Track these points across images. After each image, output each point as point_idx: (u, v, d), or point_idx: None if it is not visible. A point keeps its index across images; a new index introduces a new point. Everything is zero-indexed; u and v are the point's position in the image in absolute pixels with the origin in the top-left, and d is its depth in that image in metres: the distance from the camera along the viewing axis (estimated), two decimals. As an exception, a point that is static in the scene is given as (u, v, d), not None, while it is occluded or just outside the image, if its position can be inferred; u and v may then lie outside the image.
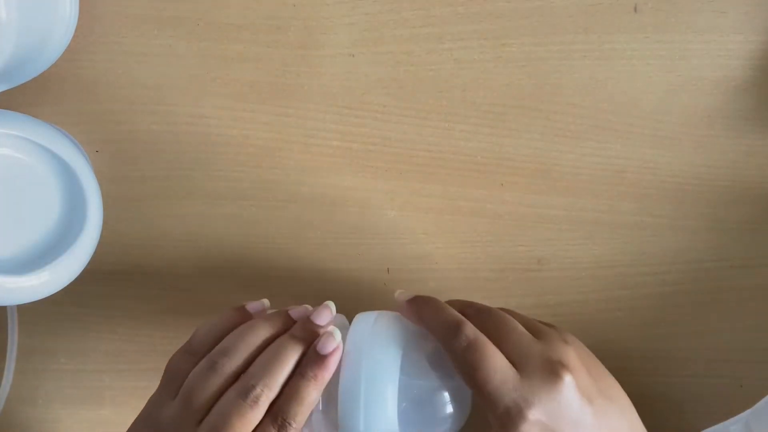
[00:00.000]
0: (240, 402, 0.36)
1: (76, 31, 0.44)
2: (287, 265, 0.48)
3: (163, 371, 0.40)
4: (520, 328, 0.38)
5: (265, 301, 0.43)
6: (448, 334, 0.37)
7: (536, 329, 0.38)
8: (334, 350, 0.38)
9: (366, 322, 0.40)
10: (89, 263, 0.44)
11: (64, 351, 0.50)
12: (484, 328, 0.37)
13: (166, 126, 0.47)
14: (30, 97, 0.46)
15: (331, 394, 0.38)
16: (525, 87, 0.45)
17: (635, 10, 0.44)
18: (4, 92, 0.45)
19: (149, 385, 0.40)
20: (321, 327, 0.39)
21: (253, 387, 0.36)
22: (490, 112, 0.46)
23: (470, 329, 0.37)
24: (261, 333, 0.39)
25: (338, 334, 0.38)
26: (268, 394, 0.36)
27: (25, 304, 0.42)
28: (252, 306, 0.42)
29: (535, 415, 0.34)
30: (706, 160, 0.46)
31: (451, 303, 0.40)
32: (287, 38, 0.45)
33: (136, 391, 0.50)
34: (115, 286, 0.49)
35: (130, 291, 0.49)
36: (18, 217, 0.43)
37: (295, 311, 0.41)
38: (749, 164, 0.46)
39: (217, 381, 0.37)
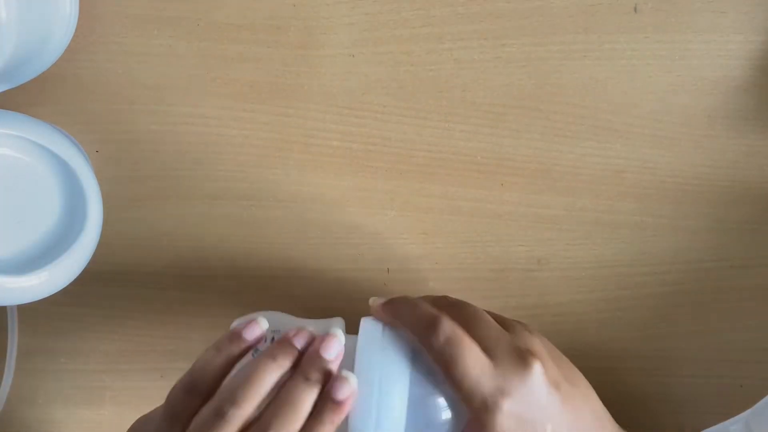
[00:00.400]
0: None
1: (76, 31, 0.44)
2: (287, 265, 0.48)
3: (162, 371, 0.40)
4: (490, 318, 0.39)
5: (263, 323, 0.39)
6: (426, 331, 0.37)
7: (503, 322, 0.39)
8: (337, 355, 0.37)
9: (374, 332, 0.39)
10: (89, 263, 0.44)
11: (64, 351, 0.50)
12: (456, 319, 0.38)
13: (166, 126, 0.47)
14: (30, 97, 0.46)
15: None
16: (525, 87, 0.45)
17: (635, 10, 0.44)
18: (4, 92, 0.45)
19: (149, 385, 0.40)
20: (330, 361, 0.37)
21: (229, 403, 0.35)
22: (490, 112, 0.46)
23: (447, 324, 0.37)
24: (270, 377, 0.36)
25: (353, 380, 0.36)
26: (244, 409, 0.35)
27: (25, 304, 0.42)
28: (249, 333, 0.38)
29: (509, 405, 0.36)
30: (706, 160, 0.46)
31: (424, 299, 0.41)
32: (287, 38, 0.45)
33: (136, 391, 0.50)
34: (115, 286, 0.49)
35: (130, 291, 0.49)
36: (18, 217, 0.43)
37: (299, 339, 0.38)
38: (749, 164, 0.46)
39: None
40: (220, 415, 0.35)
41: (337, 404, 0.36)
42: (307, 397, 0.36)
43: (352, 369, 0.37)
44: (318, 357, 0.37)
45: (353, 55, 0.45)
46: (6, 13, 0.38)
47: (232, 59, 0.46)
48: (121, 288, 0.49)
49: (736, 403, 0.45)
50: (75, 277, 0.44)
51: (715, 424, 0.45)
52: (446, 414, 0.38)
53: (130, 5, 0.45)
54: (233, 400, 0.35)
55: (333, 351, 0.37)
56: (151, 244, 0.48)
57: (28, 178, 0.42)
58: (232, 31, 0.45)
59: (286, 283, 0.48)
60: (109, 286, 0.49)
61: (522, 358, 0.37)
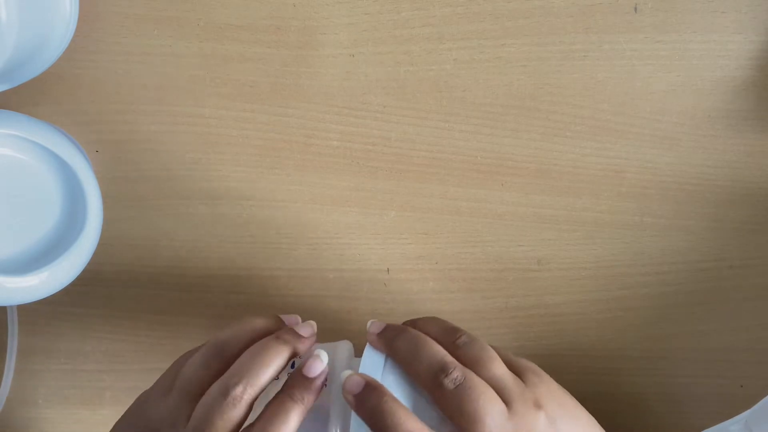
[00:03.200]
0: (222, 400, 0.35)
1: (76, 31, 0.44)
2: (287, 265, 0.48)
3: (162, 371, 0.40)
4: (499, 359, 0.38)
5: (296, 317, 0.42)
6: (434, 377, 0.36)
7: (510, 362, 0.38)
8: (321, 373, 0.37)
9: (376, 365, 0.38)
10: (89, 263, 0.44)
11: (64, 351, 0.50)
12: (465, 359, 0.37)
13: (166, 126, 0.47)
14: (30, 97, 0.46)
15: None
16: (525, 87, 0.45)
17: (635, 10, 0.44)
18: (4, 92, 0.45)
19: (149, 385, 0.40)
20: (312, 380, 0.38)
21: (236, 385, 0.36)
22: (490, 112, 0.46)
23: (458, 370, 0.36)
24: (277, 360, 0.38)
25: (325, 357, 0.38)
26: (250, 392, 0.36)
27: (25, 304, 0.42)
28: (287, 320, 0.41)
29: None
30: (706, 160, 0.46)
31: (422, 322, 0.40)
32: (287, 38, 0.45)
33: (136, 391, 0.50)
34: (115, 286, 0.49)
35: (130, 291, 0.49)
36: (18, 217, 0.43)
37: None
38: (749, 164, 0.46)
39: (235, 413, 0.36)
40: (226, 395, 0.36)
41: (309, 380, 0.37)
42: (277, 354, 0.37)
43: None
44: (301, 376, 0.37)
45: (353, 55, 0.45)
46: (6, 13, 0.38)
47: (232, 59, 0.46)
48: (121, 288, 0.49)
49: (736, 403, 0.46)
50: (75, 277, 0.44)
51: (715, 424, 0.45)
52: None
53: (130, 5, 0.45)
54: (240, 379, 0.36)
55: (315, 370, 0.37)
56: (151, 244, 0.48)
57: (28, 178, 0.42)
58: (232, 31, 0.45)
59: (286, 283, 0.48)
60: (109, 286, 0.49)
61: (536, 406, 0.36)
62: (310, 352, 0.39)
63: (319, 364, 0.37)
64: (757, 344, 0.47)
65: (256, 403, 0.37)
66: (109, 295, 0.49)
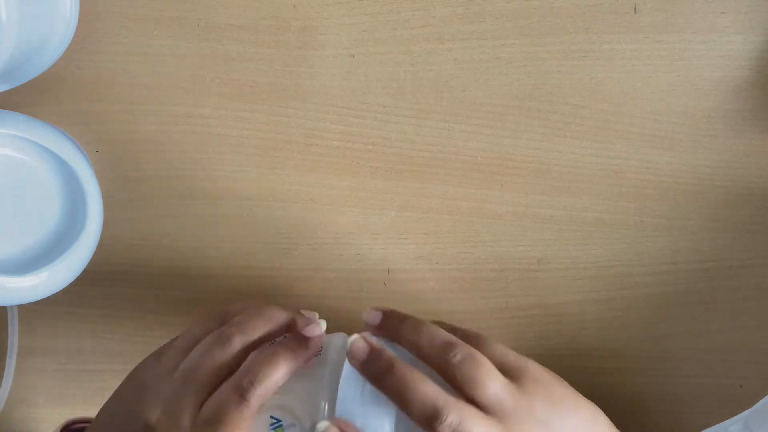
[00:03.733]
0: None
1: (76, 31, 0.44)
2: (287, 265, 0.48)
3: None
4: (495, 374, 0.37)
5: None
6: (441, 351, 0.36)
7: (507, 364, 0.38)
8: (317, 336, 0.38)
9: (355, 384, 0.37)
10: (89, 263, 0.44)
11: (64, 351, 0.50)
12: (461, 378, 0.37)
13: (166, 126, 0.47)
14: (30, 97, 0.46)
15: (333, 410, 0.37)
16: (525, 87, 0.45)
17: (635, 10, 0.44)
18: (4, 92, 0.45)
19: (149, 385, 0.40)
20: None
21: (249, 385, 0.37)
22: (490, 112, 0.46)
23: (463, 344, 0.37)
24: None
25: (323, 325, 0.39)
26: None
27: (25, 304, 0.42)
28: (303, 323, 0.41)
29: (529, 423, 0.36)
30: (706, 160, 0.46)
31: (413, 333, 0.40)
32: (287, 38, 0.45)
33: (136, 391, 0.50)
34: (115, 286, 0.49)
35: (130, 291, 0.49)
36: (18, 217, 0.43)
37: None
38: (749, 164, 0.46)
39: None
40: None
41: (303, 339, 0.38)
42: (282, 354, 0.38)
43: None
44: (298, 333, 0.39)
45: (353, 55, 0.45)
46: (6, 13, 0.38)
47: (232, 59, 0.46)
48: (121, 288, 0.49)
49: (736, 403, 0.46)
50: (75, 277, 0.44)
51: (715, 424, 0.45)
52: None
53: (130, 5, 0.45)
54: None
55: (314, 332, 0.39)
56: (151, 244, 0.48)
57: (28, 178, 0.42)
58: (232, 31, 0.45)
59: (286, 283, 0.48)
60: (109, 286, 0.49)
61: (530, 416, 0.36)
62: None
63: (317, 329, 0.38)
64: (757, 344, 0.47)
65: None
66: (109, 295, 0.49)
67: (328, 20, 0.45)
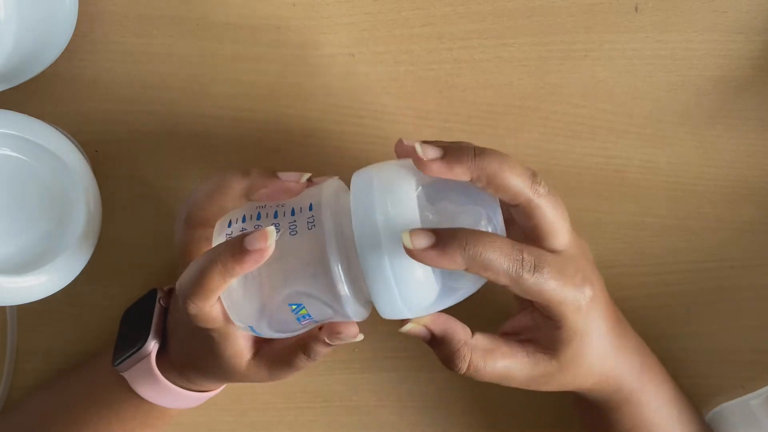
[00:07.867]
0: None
1: (76, 31, 0.44)
2: (287, 265, 0.48)
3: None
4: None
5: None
6: (529, 178, 0.35)
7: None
8: (259, 249, 0.34)
9: (368, 171, 0.36)
10: (89, 263, 0.44)
11: (64, 351, 0.50)
12: None
13: (165, 126, 0.47)
14: (30, 97, 0.46)
15: (351, 268, 0.35)
16: (525, 87, 0.45)
17: (636, 9, 0.44)
18: (4, 92, 0.45)
19: (149, 385, 0.40)
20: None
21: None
22: (490, 112, 0.46)
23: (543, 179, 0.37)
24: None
25: (273, 233, 0.34)
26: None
27: (25, 304, 0.42)
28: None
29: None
30: (706, 160, 0.46)
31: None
32: (287, 38, 0.45)
33: (135, 391, 0.50)
34: (115, 286, 0.49)
35: (130, 291, 0.49)
36: (18, 217, 0.43)
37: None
38: (749, 164, 0.46)
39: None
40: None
41: (243, 252, 0.34)
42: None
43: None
44: (239, 244, 0.35)
45: (353, 55, 0.45)
46: (6, 12, 0.38)
47: (232, 59, 0.46)
48: (121, 288, 0.49)
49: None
50: (74, 277, 0.44)
51: (715, 424, 0.45)
52: None
53: (130, 5, 0.45)
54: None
55: (254, 245, 0.34)
56: (151, 244, 0.48)
57: (28, 178, 0.42)
58: (232, 31, 0.45)
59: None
60: (109, 286, 0.49)
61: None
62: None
63: (262, 240, 0.34)
64: (757, 344, 0.47)
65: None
66: (109, 295, 0.49)
67: (328, 20, 0.45)
